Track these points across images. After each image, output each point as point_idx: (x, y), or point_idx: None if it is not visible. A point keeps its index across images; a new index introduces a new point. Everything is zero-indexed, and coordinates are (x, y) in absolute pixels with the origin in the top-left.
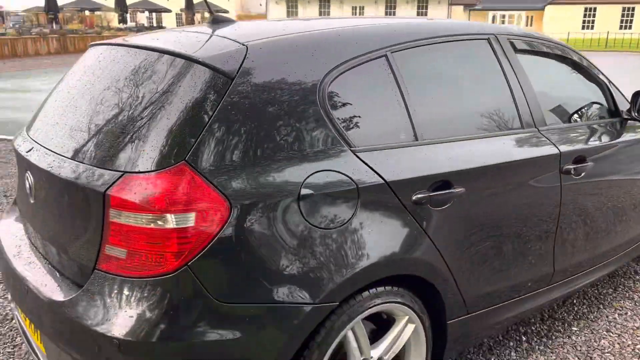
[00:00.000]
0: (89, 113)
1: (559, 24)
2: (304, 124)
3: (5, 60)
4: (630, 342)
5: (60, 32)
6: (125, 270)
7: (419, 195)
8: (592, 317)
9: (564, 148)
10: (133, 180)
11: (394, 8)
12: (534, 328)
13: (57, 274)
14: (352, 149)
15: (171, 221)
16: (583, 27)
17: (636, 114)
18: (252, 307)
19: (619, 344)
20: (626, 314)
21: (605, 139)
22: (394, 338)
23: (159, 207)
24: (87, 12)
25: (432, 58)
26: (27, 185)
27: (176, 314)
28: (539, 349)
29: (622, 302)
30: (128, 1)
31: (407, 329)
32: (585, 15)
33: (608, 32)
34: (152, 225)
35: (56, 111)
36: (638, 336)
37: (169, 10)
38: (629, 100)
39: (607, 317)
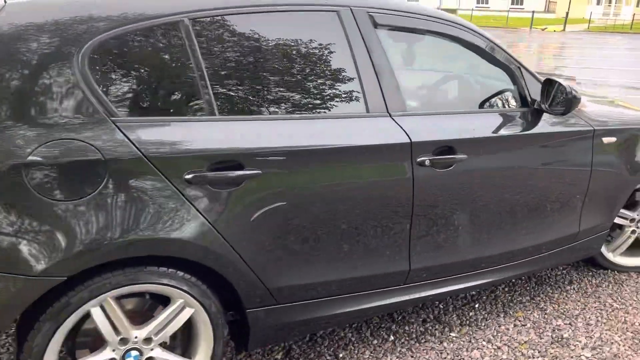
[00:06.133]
0: None
1: None
2: (53, 88)
3: None
4: (504, 357)
5: None
6: None
7: (190, 175)
8: (482, 324)
9: (418, 137)
10: None
11: None
12: (408, 328)
13: None
14: (112, 118)
15: None
16: None
17: (546, 106)
18: None
19: (490, 357)
20: (524, 325)
21: (498, 130)
22: (164, 319)
23: None
24: None
25: (248, 30)
26: None
27: None
28: (400, 350)
29: (529, 312)
30: None
31: (184, 312)
32: None
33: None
34: None
35: None
36: (519, 351)
37: None
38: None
39: (499, 326)
